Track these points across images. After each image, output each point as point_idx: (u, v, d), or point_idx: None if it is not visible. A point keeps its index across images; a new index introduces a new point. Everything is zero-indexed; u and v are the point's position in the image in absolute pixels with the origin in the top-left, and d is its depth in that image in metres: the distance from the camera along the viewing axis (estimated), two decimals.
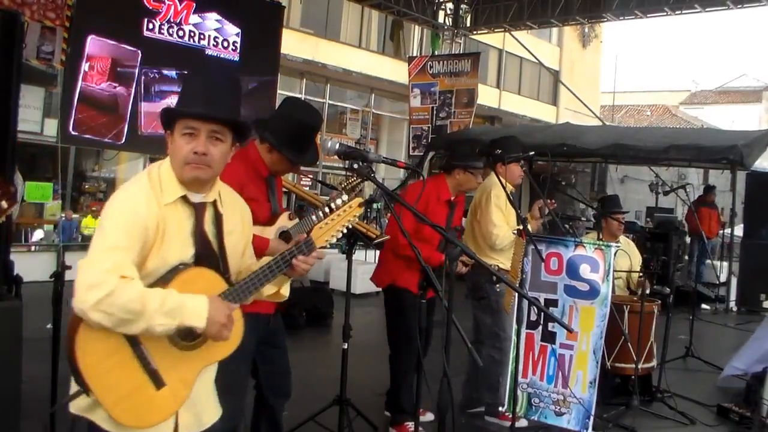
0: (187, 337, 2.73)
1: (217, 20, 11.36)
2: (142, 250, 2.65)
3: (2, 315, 3.52)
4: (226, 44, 11.47)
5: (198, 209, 2.80)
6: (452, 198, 5.97)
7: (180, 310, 2.61)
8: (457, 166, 5.95)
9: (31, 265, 9.56)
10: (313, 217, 3.11)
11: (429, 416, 6.11)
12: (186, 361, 2.75)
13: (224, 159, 2.81)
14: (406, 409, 5.92)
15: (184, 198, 2.77)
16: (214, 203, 2.87)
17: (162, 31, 10.65)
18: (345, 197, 3.03)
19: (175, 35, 10.81)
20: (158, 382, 2.66)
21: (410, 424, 5.87)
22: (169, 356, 2.69)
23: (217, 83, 2.82)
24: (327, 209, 3.01)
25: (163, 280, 2.67)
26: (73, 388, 2.66)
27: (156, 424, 2.72)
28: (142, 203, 2.66)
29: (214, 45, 11.32)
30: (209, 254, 2.82)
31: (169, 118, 2.76)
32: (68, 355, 2.55)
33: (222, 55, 11.39)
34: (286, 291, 3.10)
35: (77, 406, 2.64)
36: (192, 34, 11.04)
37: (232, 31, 11.57)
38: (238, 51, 11.62)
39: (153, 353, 2.65)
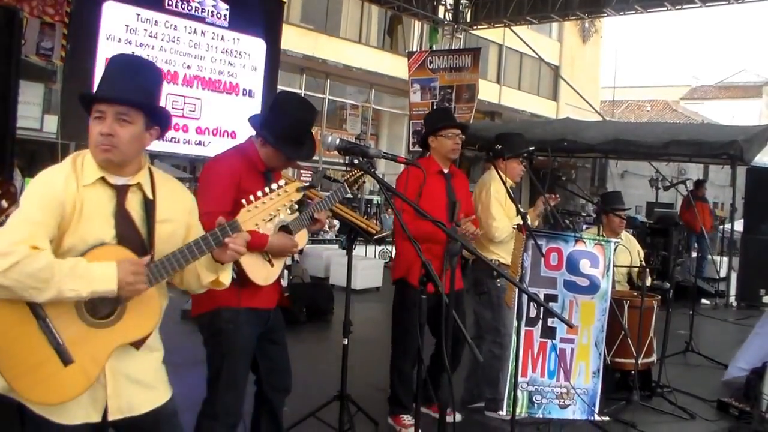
0: (98, 314, 2.74)
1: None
2: (60, 227, 2.68)
3: None
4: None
5: (120, 191, 2.82)
6: (444, 170, 5.94)
7: (90, 276, 2.62)
8: (428, 135, 5.98)
9: None
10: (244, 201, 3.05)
11: (458, 417, 6.12)
12: (97, 339, 2.74)
13: (134, 141, 2.81)
14: (402, 402, 5.92)
15: (104, 180, 2.79)
16: (140, 187, 2.88)
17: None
18: (282, 182, 2.96)
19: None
20: (65, 357, 2.65)
21: (404, 417, 5.89)
22: (78, 332, 2.69)
23: (127, 65, 2.89)
24: (260, 192, 2.91)
25: (78, 256, 2.69)
26: None
27: (65, 401, 2.70)
28: (59, 181, 2.69)
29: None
30: (132, 236, 2.82)
31: (84, 103, 2.81)
32: None
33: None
34: (225, 279, 3.07)
35: (5, 388, 2.64)
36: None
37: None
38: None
39: (60, 328, 2.65)
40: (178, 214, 2.99)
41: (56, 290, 2.57)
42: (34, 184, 2.70)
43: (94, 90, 2.84)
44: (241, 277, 4.05)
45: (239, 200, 3.94)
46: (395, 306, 6.03)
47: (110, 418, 2.83)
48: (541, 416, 5.82)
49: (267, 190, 2.92)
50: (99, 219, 2.75)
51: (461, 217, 5.64)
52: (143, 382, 2.93)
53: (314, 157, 21.44)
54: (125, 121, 2.77)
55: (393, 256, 16.81)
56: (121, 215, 2.81)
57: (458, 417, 6.12)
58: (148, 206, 2.88)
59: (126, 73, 2.84)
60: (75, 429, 2.76)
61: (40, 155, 17.17)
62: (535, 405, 5.79)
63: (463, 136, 5.98)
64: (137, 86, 2.82)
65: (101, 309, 2.74)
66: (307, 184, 4.15)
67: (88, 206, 2.72)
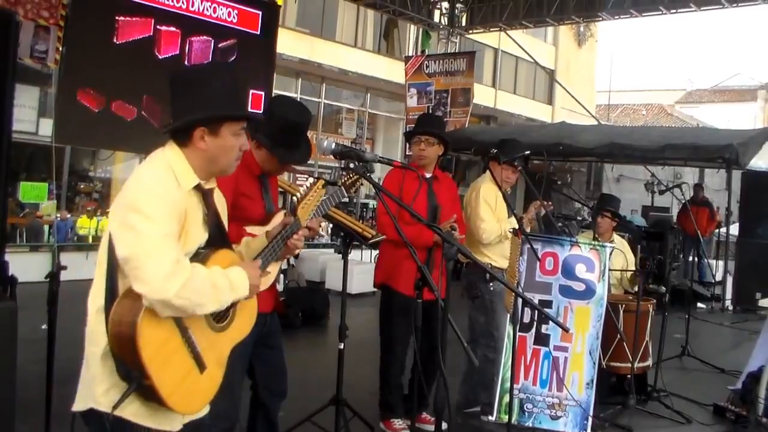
0: (219, 318, 2.85)
1: None
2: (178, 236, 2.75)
3: None
4: None
5: (207, 195, 2.91)
6: (425, 174, 5.90)
7: (233, 286, 2.76)
8: (408, 141, 6.07)
9: (26, 266, 9.53)
10: (292, 200, 3.30)
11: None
12: (219, 342, 2.87)
13: None
14: (391, 407, 5.92)
15: (197, 185, 2.86)
16: (212, 192, 2.98)
17: None
18: (311, 180, 3.30)
19: None
20: (201, 365, 2.74)
21: (395, 421, 5.88)
22: (207, 338, 2.79)
23: (238, 83, 3.02)
24: (300, 192, 3.20)
25: (200, 263, 2.76)
26: (96, 386, 2.67)
27: (204, 407, 2.86)
28: (173, 189, 2.74)
29: None
30: (219, 238, 2.94)
31: (213, 118, 2.86)
32: (125, 347, 2.56)
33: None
34: (270, 281, 3.35)
35: (107, 404, 2.65)
36: None
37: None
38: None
39: (197, 337, 2.73)
40: (224, 210, 3.12)
41: (218, 303, 2.72)
42: (151, 193, 2.68)
43: (222, 106, 2.90)
44: None
45: (236, 203, 3.95)
46: (382, 313, 6.03)
47: (184, 420, 2.90)
48: (531, 426, 5.80)
49: (307, 186, 3.22)
50: (197, 224, 2.84)
51: (442, 221, 5.64)
52: None
53: (310, 161, 21.47)
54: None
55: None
56: (212, 219, 2.92)
57: (444, 426, 6.10)
58: (217, 209, 3.00)
59: (238, 85, 3.01)
60: None
61: (35, 159, 17.19)
62: (526, 413, 5.78)
63: (429, 138, 5.94)
64: (244, 99, 2.99)
65: (220, 313, 2.85)
66: (330, 179, 4.18)
67: (189, 212, 2.80)
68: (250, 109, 2.96)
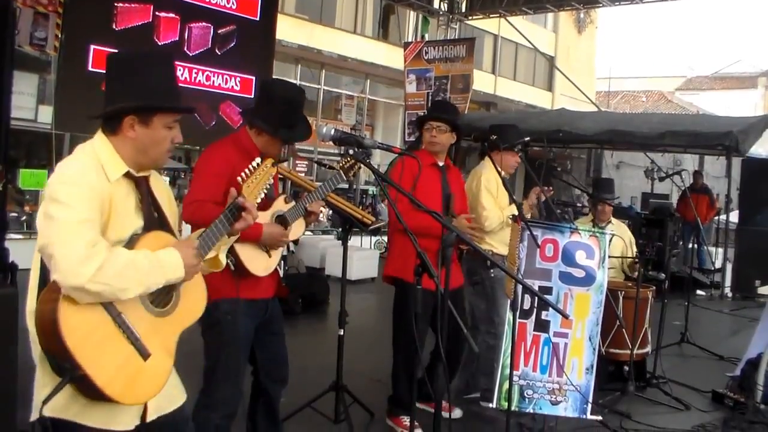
0: (159, 302, 2.76)
1: None
2: (101, 224, 2.66)
3: None
4: None
5: (139, 183, 2.85)
6: (438, 162, 5.86)
7: (161, 266, 2.67)
8: (419, 129, 5.95)
9: (26, 253, 9.53)
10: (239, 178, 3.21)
11: (457, 412, 6.10)
12: (163, 327, 2.76)
13: None
14: (404, 403, 5.78)
15: (126, 174, 2.80)
16: (148, 179, 2.92)
17: None
18: (258, 159, 3.10)
19: None
20: (143, 352, 2.64)
21: (405, 418, 5.77)
22: (147, 324, 2.68)
23: (172, 73, 2.95)
24: (247, 170, 3.04)
25: (127, 248, 2.68)
26: (41, 390, 2.61)
27: (152, 396, 2.73)
28: (93, 178, 2.67)
29: None
30: (156, 223, 2.86)
31: (144, 108, 2.80)
32: (49, 338, 2.48)
33: None
34: (223, 258, 3.11)
35: (52, 407, 2.57)
36: None
37: None
38: None
39: (133, 322, 2.63)
40: (165, 201, 3.02)
41: (143, 286, 2.62)
42: (67, 182, 2.62)
43: (151, 96, 2.82)
44: (239, 269, 4.06)
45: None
46: (398, 306, 5.84)
47: (148, 418, 2.84)
48: (531, 411, 5.82)
49: (252, 167, 3.03)
50: (126, 212, 2.77)
51: (456, 211, 5.62)
52: (170, 379, 2.91)
53: (309, 147, 21.47)
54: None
55: (387, 246, 16.91)
56: (147, 205, 2.85)
57: (458, 413, 6.11)
58: (152, 195, 2.92)
59: (175, 76, 2.96)
60: None
61: (34, 146, 17.17)
62: (526, 399, 5.78)
63: (441, 125, 5.84)
64: (180, 90, 2.93)
65: (160, 297, 2.77)
66: (282, 158, 4.17)
67: (116, 201, 2.73)
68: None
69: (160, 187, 3.01)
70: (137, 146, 2.80)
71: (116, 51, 2.99)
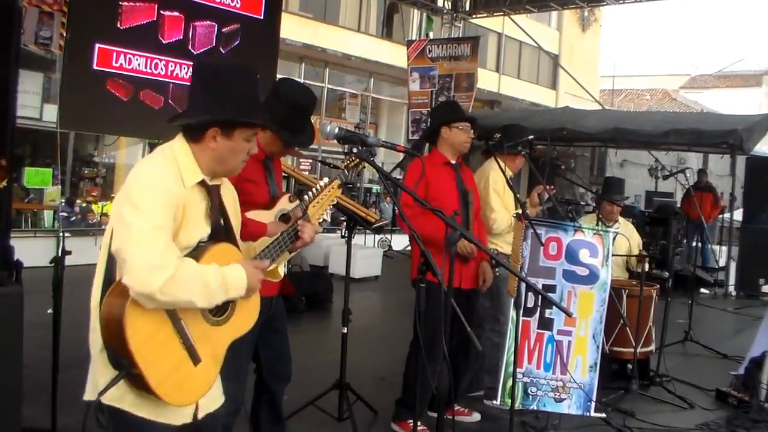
0: (216, 312, 2.84)
1: None
2: (173, 230, 2.73)
3: (2, 300, 3.52)
4: None
5: (212, 191, 2.91)
6: (451, 161, 5.82)
7: (226, 283, 2.74)
8: (441, 125, 5.83)
9: (31, 251, 9.55)
10: (306, 197, 3.30)
11: (476, 416, 6.10)
12: (216, 336, 2.85)
13: None
14: (408, 404, 5.66)
15: (201, 181, 2.87)
16: (219, 188, 2.99)
17: None
18: (326, 180, 3.33)
19: None
20: (195, 357, 2.73)
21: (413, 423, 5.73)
22: (202, 331, 2.77)
23: (256, 88, 3.01)
24: (315, 190, 3.23)
25: (194, 257, 2.75)
26: (99, 378, 2.70)
27: (195, 401, 2.83)
28: (171, 183, 2.73)
29: None
30: (222, 232, 2.93)
31: (230, 121, 2.86)
32: (112, 335, 2.58)
33: None
34: (282, 269, 3.27)
35: (109, 396, 2.67)
36: None
37: None
38: None
39: (190, 329, 2.72)
40: (233, 208, 3.11)
41: (207, 302, 2.70)
42: (145, 186, 2.69)
43: (239, 111, 2.89)
44: None
45: (240, 189, 3.95)
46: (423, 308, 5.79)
47: (200, 416, 2.93)
48: (535, 408, 5.83)
49: (320, 186, 3.25)
50: (197, 218, 2.84)
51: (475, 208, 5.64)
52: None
53: (313, 146, 21.49)
54: None
55: (391, 245, 16.93)
56: (214, 214, 2.91)
57: (477, 416, 6.11)
58: (222, 204, 2.99)
59: (258, 91, 3.02)
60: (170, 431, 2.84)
61: (39, 144, 17.17)
62: (530, 397, 5.79)
63: (468, 126, 5.86)
64: (261, 106, 3.08)
65: (218, 307, 2.83)
66: (346, 181, 4.21)
67: (189, 207, 2.80)
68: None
69: (229, 194, 3.09)
70: (216, 156, 2.86)
71: (205, 61, 3.07)
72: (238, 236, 3.07)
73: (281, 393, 4.72)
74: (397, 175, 16.71)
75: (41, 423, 4.24)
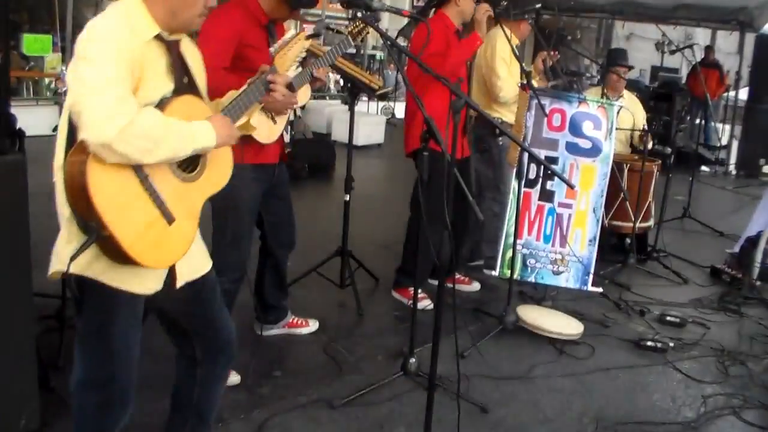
0: (186, 168, 2.74)
1: None
2: (131, 83, 2.59)
3: (6, 169, 3.51)
4: None
5: (171, 47, 2.77)
6: (459, 28, 5.67)
7: (192, 134, 2.63)
8: None
9: (33, 119, 9.50)
10: (270, 49, 3.23)
11: (476, 285, 6.19)
12: (189, 193, 2.75)
13: None
14: (408, 272, 5.74)
15: (158, 36, 2.72)
16: (178, 43, 2.85)
17: None
18: (293, 32, 3.20)
19: None
20: (168, 216, 2.63)
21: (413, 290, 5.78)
22: (173, 189, 2.67)
23: None
24: (280, 42, 3.12)
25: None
26: (66, 246, 2.60)
27: (174, 261, 2.74)
28: (125, 36, 2.58)
29: None
30: (187, 87, 2.81)
31: None
32: (77, 196, 2.46)
33: None
34: (254, 121, 3.14)
35: (78, 264, 2.55)
36: None
37: None
38: None
39: (159, 186, 2.61)
40: (198, 67, 2.98)
41: (170, 152, 2.56)
42: (97, 39, 2.53)
43: None
44: (243, 135, 4.05)
45: (241, 55, 3.89)
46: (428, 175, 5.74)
47: (178, 283, 2.85)
48: (533, 280, 5.91)
49: (287, 38, 3.12)
50: (157, 75, 2.69)
51: None
52: (197, 242, 2.93)
53: (318, 11, 21.16)
54: None
55: (394, 112, 16.81)
56: (176, 69, 2.77)
57: (477, 286, 6.19)
58: (185, 60, 2.87)
59: None
60: (138, 302, 2.77)
61: (37, 10, 16.88)
62: (528, 269, 5.86)
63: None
64: None
65: (187, 162, 2.74)
66: (312, 33, 4.10)
67: (147, 62, 2.65)
68: None
69: (191, 51, 2.94)
70: (169, 7, 2.70)
71: None
72: (204, 92, 2.96)
73: (285, 259, 4.77)
74: (401, 43, 16.47)
75: (51, 289, 4.30)
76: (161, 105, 2.64)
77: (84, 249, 2.51)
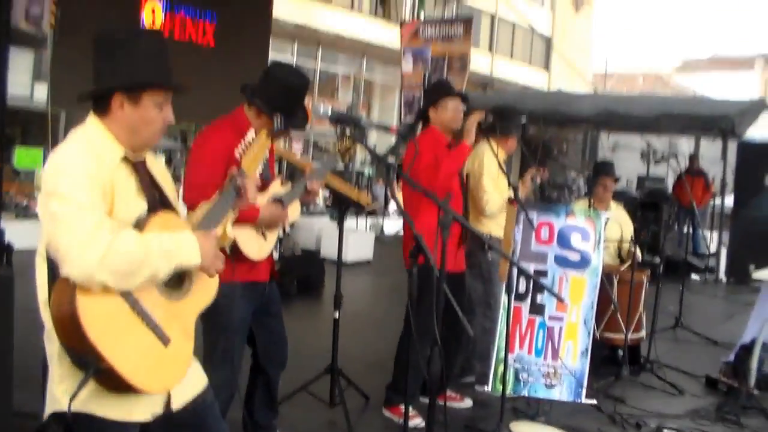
0: (173, 286, 2.70)
1: None
2: (105, 209, 2.57)
3: None
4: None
5: (137, 167, 2.75)
6: (450, 141, 5.67)
7: (175, 250, 2.59)
8: (428, 107, 5.73)
9: (22, 233, 9.49)
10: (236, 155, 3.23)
11: (468, 402, 6.09)
12: (180, 312, 2.71)
13: None
14: (399, 389, 5.63)
15: (124, 158, 2.71)
16: (144, 162, 2.84)
17: None
18: (252, 132, 3.30)
19: None
20: (164, 337, 2.59)
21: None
22: (164, 309, 2.62)
23: (161, 49, 2.82)
24: (242, 146, 3.17)
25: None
26: (60, 384, 2.56)
27: (177, 382, 2.69)
28: (91, 164, 2.56)
29: None
30: (160, 204, 2.79)
31: (132, 85, 2.70)
32: (69, 332, 2.42)
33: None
34: (230, 230, 3.06)
35: (78, 401, 2.49)
36: None
37: None
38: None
39: (150, 308, 2.56)
40: (168, 182, 2.96)
41: (150, 272, 2.51)
42: (64, 173, 2.50)
43: (143, 73, 2.72)
44: (234, 251, 4.05)
45: (231, 169, 3.93)
46: (419, 291, 5.73)
47: (174, 405, 2.79)
48: (526, 395, 5.84)
49: (249, 140, 3.10)
50: (129, 195, 2.68)
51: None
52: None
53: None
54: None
55: (383, 228, 16.91)
56: (147, 187, 2.76)
57: (469, 402, 6.10)
58: (153, 176, 2.85)
59: (166, 54, 2.81)
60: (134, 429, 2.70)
61: (30, 124, 17.10)
62: (521, 383, 5.81)
63: (464, 106, 5.78)
64: (170, 68, 2.80)
65: (173, 280, 2.69)
66: (275, 130, 4.16)
67: (118, 185, 2.64)
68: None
69: (157, 167, 2.93)
70: (128, 127, 2.69)
71: (103, 29, 2.89)
72: (177, 206, 2.91)
73: (277, 378, 4.72)
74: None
75: (33, 408, 4.22)
76: (138, 225, 2.61)
77: (83, 385, 2.46)
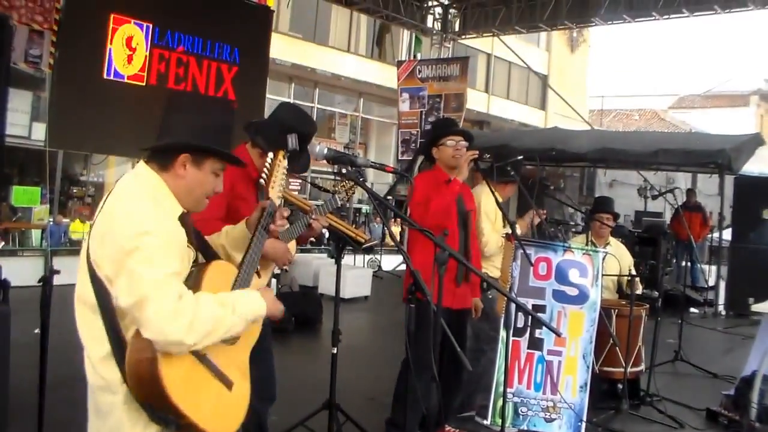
0: None
1: None
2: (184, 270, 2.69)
3: None
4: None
5: (184, 218, 2.78)
6: (450, 178, 5.65)
7: (248, 311, 2.72)
8: (431, 146, 5.77)
9: (17, 270, 9.50)
10: (260, 182, 3.22)
11: None
12: (235, 353, 2.82)
13: None
14: (398, 424, 5.63)
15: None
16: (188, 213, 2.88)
17: None
18: (271, 155, 3.15)
19: None
20: (227, 382, 2.71)
21: None
22: (225, 356, 2.73)
23: (231, 121, 2.93)
24: (264, 174, 3.09)
25: (194, 283, 2.66)
26: None
27: (241, 421, 2.80)
28: (171, 224, 2.67)
29: None
30: (207, 254, 2.89)
31: (206, 150, 2.78)
32: (148, 392, 2.50)
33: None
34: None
35: None
36: None
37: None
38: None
39: (214, 357, 2.67)
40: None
41: (227, 330, 2.64)
42: (147, 232, 2.52)
43: (207, 139, 2.78)
44: None
45: (231, 206, 3.94)
46: (417, 326, 5.76)
47: None
48: (526, 429, 5.81)
49: (267, 165, 3.10)
50: (184, 250, 2.75)
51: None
52: None
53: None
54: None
55: (381, 265, 16.91)
56: (196, 237, 2.85)
57: None
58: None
59: (233, 127, 2.93)
60: None
61: (28, 163, 17.16)
62: (521, 417, 5.78)
63: (466, 143, 5.80)
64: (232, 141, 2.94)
65: None
66: (289, 151, 4.17)
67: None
68: None
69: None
70: (186, 186, 2.76)
71: (180, 92, 2.97)
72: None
73: (266, 413, 4.69)
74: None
75: None
76: (196, 276, 2.69)
77: None
